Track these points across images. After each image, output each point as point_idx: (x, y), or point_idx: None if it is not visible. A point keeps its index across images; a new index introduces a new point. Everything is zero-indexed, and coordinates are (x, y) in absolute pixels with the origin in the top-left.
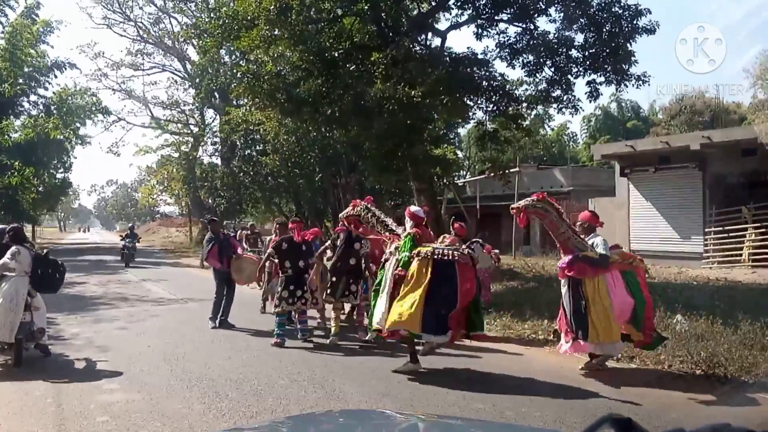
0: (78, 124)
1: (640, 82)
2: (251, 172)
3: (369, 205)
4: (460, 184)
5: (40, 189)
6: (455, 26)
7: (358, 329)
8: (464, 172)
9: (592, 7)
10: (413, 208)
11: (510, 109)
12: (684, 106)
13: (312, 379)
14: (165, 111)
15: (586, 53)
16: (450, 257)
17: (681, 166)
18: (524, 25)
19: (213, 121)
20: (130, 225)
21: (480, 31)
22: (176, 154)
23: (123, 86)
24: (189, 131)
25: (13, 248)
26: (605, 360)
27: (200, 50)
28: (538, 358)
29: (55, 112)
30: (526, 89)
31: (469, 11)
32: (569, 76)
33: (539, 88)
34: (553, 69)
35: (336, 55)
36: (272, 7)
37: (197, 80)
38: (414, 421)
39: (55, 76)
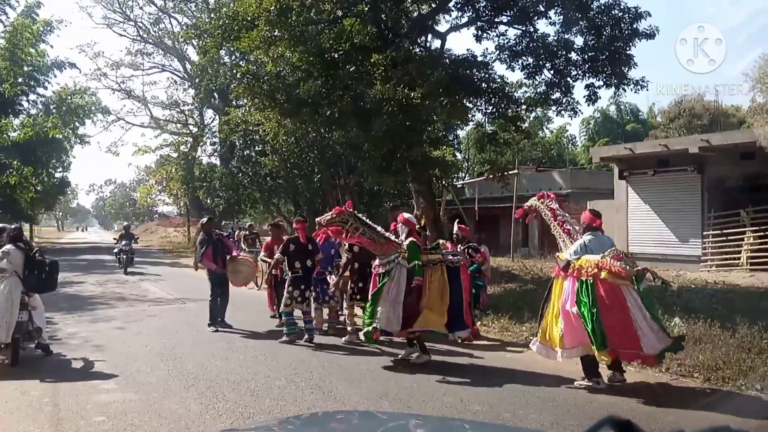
0: (77, 124)
1: (639, 87)
2: (250, 173)
3: (357, 213)
4: (458, 186)
5: (38, 188)
6: (455, 28)
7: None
8: (463, 174)
9: (592, 10)
10: (406, 215)
11: (509, 111)
12: (683, 109)
13: (309, 379)
14: (164, 111)
15: (586, 56)
16: (456, 263)
17: (680, 169)
18: (524, 28)
19: (212, 121)
20: (125, 224)
21: (480, 33)
22: (175, 154)
23: (122, 86)
24: (188, 131)
25: (5, 247)
26: (619, 379)
27: (200, 50)
28: (536, 361)
29: (54, 111)
30: (526, 91)
31: (469, 13)
32: (568, 79)
33: (538, 90)
34: (552, 72)
35: (336, 56)
36: (272, 7)
37: (197, 80)
38: (411, 422)
39: (55, 76)
